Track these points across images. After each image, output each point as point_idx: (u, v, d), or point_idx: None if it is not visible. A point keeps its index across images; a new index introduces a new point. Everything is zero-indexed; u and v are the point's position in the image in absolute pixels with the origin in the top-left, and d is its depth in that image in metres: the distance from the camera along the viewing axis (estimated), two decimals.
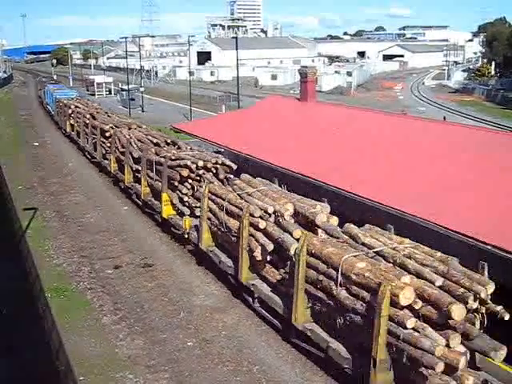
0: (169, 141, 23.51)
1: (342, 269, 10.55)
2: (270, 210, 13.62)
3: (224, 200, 15.13)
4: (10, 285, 15.49)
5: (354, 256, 10.78)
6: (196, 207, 18.13)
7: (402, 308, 9.42)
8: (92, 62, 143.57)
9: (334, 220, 13.00)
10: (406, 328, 9.26)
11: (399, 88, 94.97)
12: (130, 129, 26.54)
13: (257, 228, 13.40)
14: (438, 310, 9.22)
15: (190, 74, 71.00)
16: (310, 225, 12.96)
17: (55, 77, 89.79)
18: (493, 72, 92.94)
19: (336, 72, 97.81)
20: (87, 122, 32.83)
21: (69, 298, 15.35)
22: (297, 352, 12.54)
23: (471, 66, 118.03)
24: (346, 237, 12.00)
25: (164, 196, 19.61)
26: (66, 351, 12.32)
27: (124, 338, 13.30)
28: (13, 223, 21.57)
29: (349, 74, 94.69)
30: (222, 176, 18.93)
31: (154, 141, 23.37)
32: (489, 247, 11.10)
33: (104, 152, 29.10)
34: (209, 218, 16.06)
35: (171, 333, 13.52)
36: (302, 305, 11.91)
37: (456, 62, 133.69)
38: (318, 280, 11.25)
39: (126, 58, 66.21)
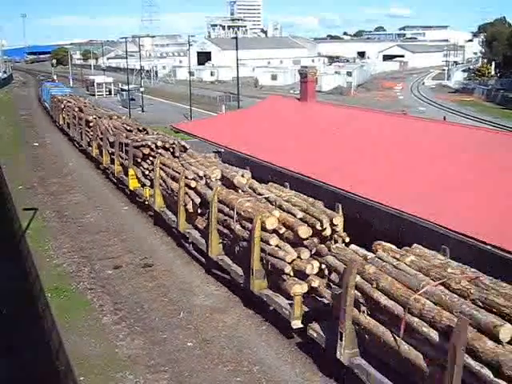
0: (140, 128, 26.86)
1: (236, 209, 14.30)
2: (201, 173, 17.52)
3: (170, 168, 19.10)
4: (10, 285, 15.49)
5: (246, 200, 14.62)
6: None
7: (271, 232, 12.99)
8: (92, 62, 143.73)
9: (251, 181, 16.45)
10: (270, 245, 12.93)
11: (399, 88, 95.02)
12: (111, 119, 30.15)
13: (189, 187, 17.20)
14: (293, 232, 12.58)
15: (190, 74, 71.03)
16: (232, 185, 16.41)
17: (55, 77, 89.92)
18: (493, 72, 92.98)
19: (336, 72, 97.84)
20: (75, 114, 36.47)
21: (69, 298, 15.35)
22: (297, 352, 12.55)
23: (471, 66, 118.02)
24: (250, 190, 15.80)
25: (130, 171, 23.24)
26: (66, 351, 12.31)
27: (124, 338, 13.30)
28: (13, 223, 21.58)
29: (349, 74, 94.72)
30: (177, 154, 22.09)
31: (128, 128, 26.59)
32: (489, 247, 11.11)
33: (88, 140, 32.51)
34: (160, 185, 19.87)
35: (171, 333, 13.52)
36: (215, 240, 15.69)
37: (456, 62, 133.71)
38: (224, 220, 14.95)
39: (126, 58, 66.19)
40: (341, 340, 10.41)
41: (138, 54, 75.98)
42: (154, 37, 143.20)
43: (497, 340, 7.70)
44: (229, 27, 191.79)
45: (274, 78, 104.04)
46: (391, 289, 9.37)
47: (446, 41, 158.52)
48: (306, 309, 12.44)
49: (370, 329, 9.88)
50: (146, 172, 22.33)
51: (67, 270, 17.33)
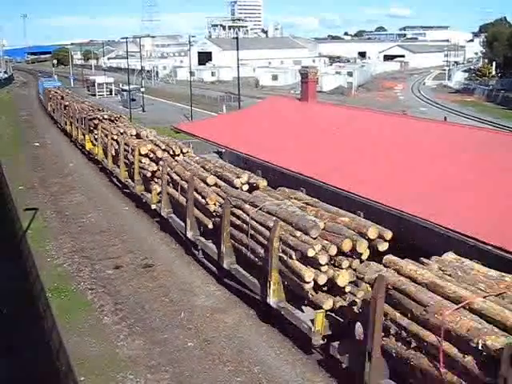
0: (100, 108, 36.48)
1: (131, 145, 23.20)
2: (121, 130, 26.44)
3: (105, 130, 28.45)
4: (11, 285, 15.51)
5: (138, 141, 23.45)
6: (104, 142, 28.99)
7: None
8: (93, 62, 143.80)
9: (154, 134, 24.61)
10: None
11: (400, 88, 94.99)
12: (83, 103, 39.76)
13: (113, 139, 26.46)
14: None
15: (191, 74, 70.96)
16: (139, 136, 25.16)
17: (56, 77, 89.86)
18: (493, 72, 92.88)
19: (337, 72, 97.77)
20: (58, 101, 46.58)
21: (69, 299, 15.36)
22: (297, 352, 12.55)
23: (472, 67, 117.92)
24: (154, 139, 23.26)
25: (86, 137, 32.98)
26: (67, 351, 12.33)
27: (125, 338, 13.31)
28: (13, 223, 21.60)
29: (349, 74, 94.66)
30: (119, 123, 29.91)
31: (91, 108, 36.06)
32: (489, 247, 11.11)
33: (65, 120, 41.92)
34: (101, 142, 29.14)
35: (172, 333, 13.53)
36: (123, 168, 24.67)
37: (457, 63, 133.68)
38: (126, 154, 23.90)
39: (127, 58, 66.12)
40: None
41: (139, 54, 75.97)
42: (154, 37, 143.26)
43: None
44: (229, 27, 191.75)
45: (274, 78, 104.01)
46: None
47: (447, 41, 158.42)
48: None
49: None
50: (96, 137, 30.60)
51: (68, 270, 17.34)
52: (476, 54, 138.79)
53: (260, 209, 13.73)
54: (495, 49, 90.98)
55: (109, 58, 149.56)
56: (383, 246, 11.54)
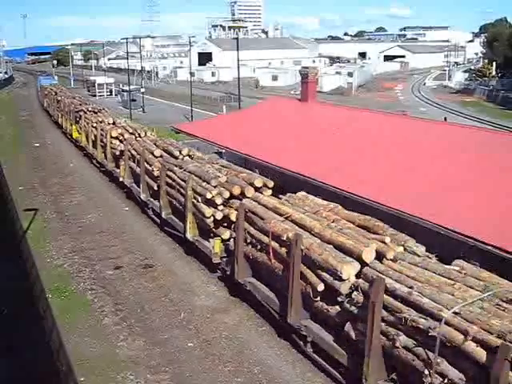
0: (86, 102, 41.83)
1: (105, 131, 27.73)
2: (100, 119, 31.12)
3: (87, 119, 33.09)
4: (11, 285, 15.52)
5: (110, 126, 28.23)
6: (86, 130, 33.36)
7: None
8: (93, 62, 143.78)
9: (127, 123, 28.59)
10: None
11: (400, 88, 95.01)
12: (74, 98, 44.30)
13: (93, 126, 31.09)
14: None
15: (191, 74, 70.99)
16: (114, 123, 29.68)
17: (56, 77, 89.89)
18: (494, 72, 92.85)
19: (337, 73, 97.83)
20: (52, 97, 51.02)
21: (69, 299, 15.37)
22: (298, 352, 12.55)
23: (472, 67, 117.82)
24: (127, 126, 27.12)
25: (73, 127, 37.30)
26: (67, 352, 12.33)
27: (125, 338, 13.32)
28: (13, 224, 21.60)
29: (350, 74, 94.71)
30: (100, 115, 33.51)
31: (79, 102, 40.39)
32: (489, 247, 11.11)
33: (58, 113, 46.25)
34: (84, 130, 33.69)
35: (172, 333, 13.54)
36: (100, 151, 29.29)
37: (457, 63, 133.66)
38: (102, 137, 28.62)
39: (127, 58, 66.11)
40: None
41: (139, 54, 75.99)
42: (154, 37, 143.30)
43: None
44: (229, 28, 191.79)
45: (274, 78, 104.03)
46: None
47: (447, 41, 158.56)
48: None
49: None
50: (81, 125, 34.95)
51: (68, 270, 17.35)
52: (476, 54, 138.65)
53: (184, 170, 18.00)
54: (495, 49, 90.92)
55: (109, 59, 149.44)
56: (267, 193, 15.33)
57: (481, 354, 7.91)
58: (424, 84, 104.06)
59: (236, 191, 15.61)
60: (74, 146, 38.02)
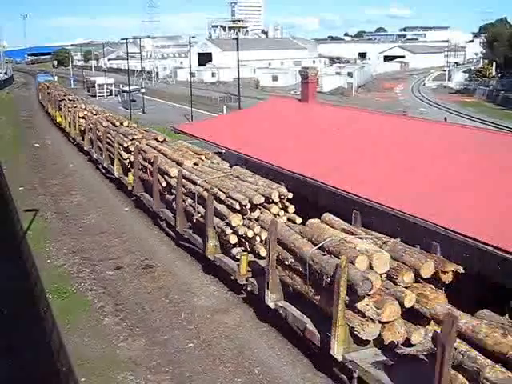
0: (68, 92, 51.79)
1: (95, 122, 32.11)
2: (83, 107, 37.96)
3: (66, 106, 41.01)
4: (11, 285, 15.53)
5: (95, 116, 34.32)
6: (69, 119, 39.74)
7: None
8: (93, 63, 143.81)
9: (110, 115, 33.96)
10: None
11: (400, 89, 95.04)
12: (61, 91, 53.85)
13: (79, 116, 36.43)
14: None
15: (191, 75, 71.01)
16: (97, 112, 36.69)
17: (56, 78, 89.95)
18: (493, 73, 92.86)
19: (337, 73, 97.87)
20: (45, 91, 58.91)
21: (70, 299, 15.36)
22: (298, 353, 12.55)
23: (472, 67, 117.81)
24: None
25: (57, 113, 45.61)
26: (67, 352, 12.33)
27: (125, 339, 13.31)
28: (14, 224, 21.61)
29: (350, 74, 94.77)
30: (81, 103, 41.67)
31: (63, 94, 49.45)
32: (489, 247, 11.10)
33: (48, 104, 54.27)
34: (67, 118, 39.99)
35: (172, 334, 13.53)
36: (86, 141, 33.75)
37: (457, 63, 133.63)
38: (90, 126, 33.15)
39: (128, 59, 66.17)
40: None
41: (139, 54, 75.99)
42: (154, 38, 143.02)
43: None
44: (230, 28, 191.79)
45: (274, 78, 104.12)
46: None
47: (447, 41, 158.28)
48: None
49: None
50: (66, 113, 40.99)
51: (68, 270, 17.35)
52: (476, 54, 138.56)
53: (117, 132, 26.49)
54: (495, 49, 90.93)
55: (109, 59, 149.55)
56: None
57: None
58: (424, 84, 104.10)
59: None
60: (74, 146, 38.06)
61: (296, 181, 17.44)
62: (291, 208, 15.26)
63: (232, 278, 15.04)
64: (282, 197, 15.18)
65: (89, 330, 13.68)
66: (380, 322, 10.17)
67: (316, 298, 11.42)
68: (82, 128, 35.04)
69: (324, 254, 11.11)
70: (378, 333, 10.28)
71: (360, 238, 11.40)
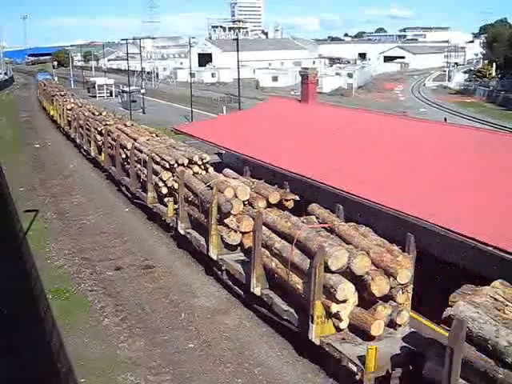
0: (62, 89, 55.92)
1: (80, 115, 36.50)
2: (73, 101, 43.13)
3: (57, 101, 46.61)
4: (11, 285, 15.53)
5: (80, 109, 39.44)
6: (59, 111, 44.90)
7: (85, 116, 34.84)
8: (93, 63, 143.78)
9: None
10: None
11: (400, 89, 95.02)
12: (56, 87, 58.24)
13: (67, 108, 41.80)
14: None
15: (191, 75, 70.99)
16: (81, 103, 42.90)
17: (56, 78, 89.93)
18: (494, 73, 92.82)
19: (337, 73, 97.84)
20: (42, 87, 64.96)
21: (70, 300, 15.37)
22: (298, 353, 12.54)
23: (472, 68, 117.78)
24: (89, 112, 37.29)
25: (50, 107, 50.94)
26: (67, 352, 12.33)
27: (125, 339, 13.31)
28: (14, 225, 21.61)
29: (350, 75, 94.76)
30: (71, 98, 46.95)
31: (57, 89, 54.41)
32: (489, 248, 11.11)
33: (43, 99, 60.08)
34: (58, 110, 45.04)
35: (172, 334, 13.53)
36: (74, 131, 38.06)
37: (457, 64, 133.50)
38: (78, 118, 36.81)
39: (127, 59, 66.12)
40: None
41: (139, 55, 75.95)
42: (154, 38, 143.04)
43: None
44: (230, 29, 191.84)
45: (274, 79, 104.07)
46: None
47: (447, 42, 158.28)
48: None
49: None
50: (57, 107, 45.84)
51: (68, 271, 17.35)
52: (476, 55, 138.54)
53: (97, 120, 31.39)
54: (495, 50, 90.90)
55: (109, 60, 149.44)
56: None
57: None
58: (424, 85, 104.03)
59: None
60: (74, 146, 38.07)
61: (296, 181, 17.46)
62: (211, 169, 19.95)
63: (163, 218, 20.04)
64: (204, 161, 20.38)
65: (89, 330, 13.68)
66: (240, 232, 15.19)
67: (204, 220, 16.40)
68: (69, 119, 40.06)
69: (209, 190, 16.10)
70: (239, 240, 15.31)
71: (234, 179, 17.08)
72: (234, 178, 17.16)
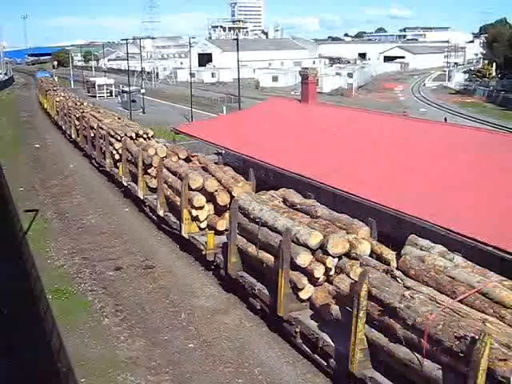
0: (55, 85, 62.46)
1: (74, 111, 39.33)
2: (63, 94, 50.49)
3: (49, 94, 54.16)
4: (11, 285, 15.53)
5: (76, 109, 41.59)
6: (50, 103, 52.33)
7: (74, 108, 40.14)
8: (93, 63, 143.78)
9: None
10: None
11: (400, 89, 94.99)
12: (51, 83, 65.15)
13: (56, 101, 49.09)
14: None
15: (191, 75, 70.99)
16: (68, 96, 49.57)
17: (56, 78, 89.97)
18: (494, 73, 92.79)
19: (337, 73, 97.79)
20: (39, 83, 71.55)
21: (70, 300, 15.37)
22: (298, 353, 12.54)
23: (472, 68, 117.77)
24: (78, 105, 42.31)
25: (44, 100, 57.71)
26: (67, 352, 12.33)
27: (125, 339, 13.31)
28: (14, 224, 21.60)
29: (350, 75, 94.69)
30: (63, 91, 54.11)
31: (51, 85, 60.99)
32: (489, 248, 11.11)
33: (40, 94, 65.71)
34: (50, 102, 52.59)
35: (172, 334, 13.53)
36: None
37: (457, 64, 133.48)
38: (69, 111, 40.83)
39: (127, 59, 66.10)
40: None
41: (139, 55, 75.90)
42: (154, 38, 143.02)
43: None
44: (230, 29, 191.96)
45: (274, 79, 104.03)
46: None
47: (447, 42, 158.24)
48: None
49: None
50: (49, 100, 52.69)
51: (68, 271, 17.35)
52: (476, 55, 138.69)
53: (83, 112, 35.35)
54: (495, 50, 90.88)
55: (109, 60, 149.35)
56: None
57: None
58: (424, 85, 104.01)
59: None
60: (74, 147, 38.07)
61: (296, 181, 17.46)
62: (152, 141, 25.14)
63: (115, 177, 26.25)
64: (148, 135, 26.52)
65: (89, 330, 13.68)
66: (153, 177, 20.92)
67: (136, 171, 22.52)
68: (58, 109, 46.71)
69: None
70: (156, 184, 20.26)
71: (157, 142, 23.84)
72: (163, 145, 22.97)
